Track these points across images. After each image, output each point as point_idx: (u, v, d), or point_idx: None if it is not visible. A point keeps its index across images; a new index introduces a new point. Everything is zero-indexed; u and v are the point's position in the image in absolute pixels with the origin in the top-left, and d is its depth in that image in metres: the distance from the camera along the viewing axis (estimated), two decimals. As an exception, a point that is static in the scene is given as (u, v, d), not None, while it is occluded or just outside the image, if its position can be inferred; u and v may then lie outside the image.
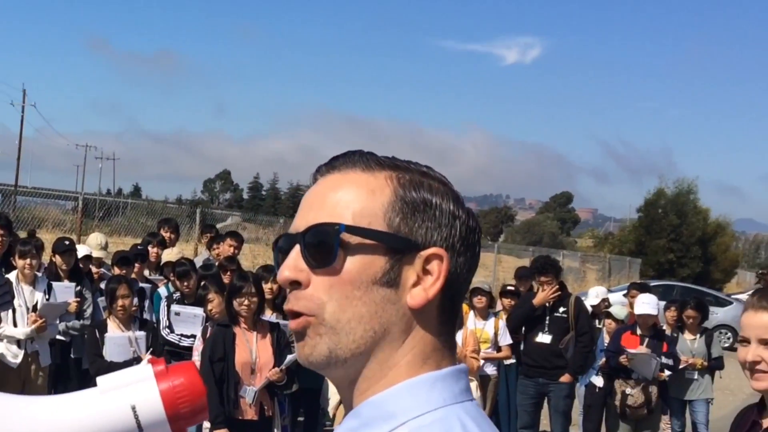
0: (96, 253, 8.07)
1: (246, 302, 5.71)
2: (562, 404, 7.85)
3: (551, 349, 7.75)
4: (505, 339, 8.26)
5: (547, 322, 7.83)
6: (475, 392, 7.29)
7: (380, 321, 1.00)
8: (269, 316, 6.61)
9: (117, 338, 6.18)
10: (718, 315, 20.19)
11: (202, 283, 6.91)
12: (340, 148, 1.09)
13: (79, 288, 7.26)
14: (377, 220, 1.01)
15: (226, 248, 8.77)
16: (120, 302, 6.20)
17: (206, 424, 5.60)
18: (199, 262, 8.42)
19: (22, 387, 6.51)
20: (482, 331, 8.13)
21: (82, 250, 7.78)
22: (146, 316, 7.18)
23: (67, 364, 7.47)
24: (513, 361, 8.50)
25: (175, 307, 7.07)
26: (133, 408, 1.19)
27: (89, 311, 7.38)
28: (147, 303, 7.51)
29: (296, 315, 1.03)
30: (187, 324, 6.95)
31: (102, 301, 7.24)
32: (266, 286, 6.54)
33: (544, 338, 7.80)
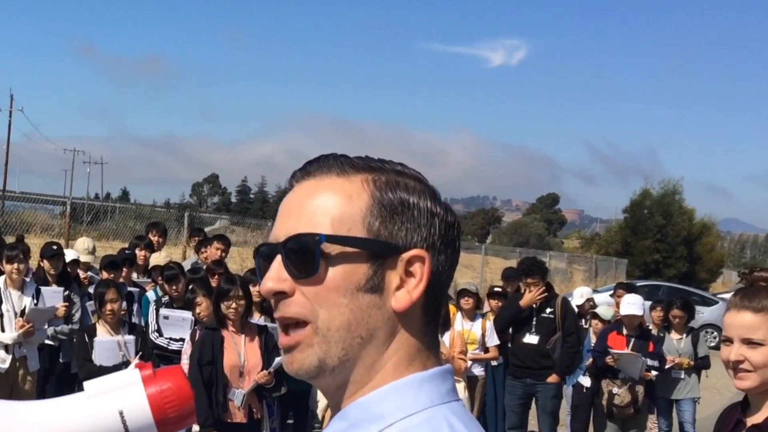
0: (83, 258, 8.07)
1: (234, 305, 5.71)
2: (549, 404, 7.87)
3: (538, 349, 7.77)
4: (493, 340, 8.25)
5: (534, 322, 7.85)
6: (463, 393, 7.30)
7: (367, 327, 1.00)
8: (257, 319, 6.61)
9: (106, 342, 6.17)
10: (704, 314, 20.21)
11: (191, 286, 6.90)
12: (327, 150, 1.08)
13: (67, 292, 7.25)
14: (356, 226, 1.00)
15: (213, 252, 8.73)
16: (109, 306, 6.20)
17: (195, 428, 5.58)
18: (187, 265, 8.40)
19: (10, 392, 6.49)
20: (469, 332, 8.12)
21: (69, 255, 7.77)
22: (135, 320, 7.18)
23: (54, 368, 7.45)
24: (500, 361, 8.50)
25: (163, 311, 7.06)
26: (121, 413, 1.19)
27: (78, 315, 7.37)
28: (135, 307, 7.50)
29: (287, 326, 1.02)
30: (176, 327, 6.94)
31: (90, 305, 7.24)
32: (254, 289, 6.51)
33: (531, 339, 7.82)
